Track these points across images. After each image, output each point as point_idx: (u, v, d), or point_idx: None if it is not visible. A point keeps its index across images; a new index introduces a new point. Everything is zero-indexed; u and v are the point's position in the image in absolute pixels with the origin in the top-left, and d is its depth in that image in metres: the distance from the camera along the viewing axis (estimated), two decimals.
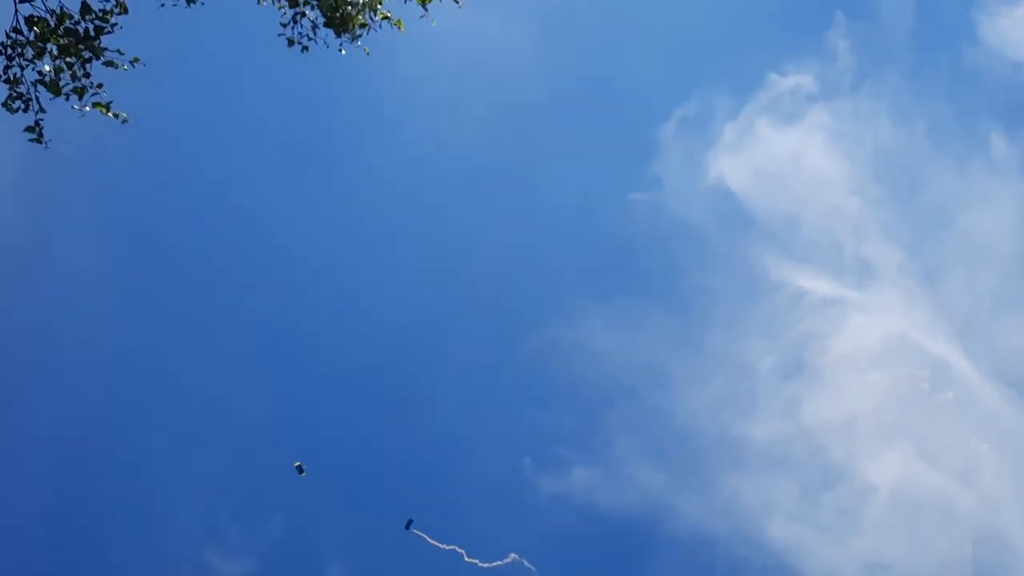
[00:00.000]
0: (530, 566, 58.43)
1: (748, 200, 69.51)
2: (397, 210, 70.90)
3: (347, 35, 15.17)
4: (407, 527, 55.61)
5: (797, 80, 70.04)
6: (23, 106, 14.57)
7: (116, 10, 14.60)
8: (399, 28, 16.10)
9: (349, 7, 14.60)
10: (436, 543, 57.06)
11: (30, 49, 14.54)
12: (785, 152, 69.90)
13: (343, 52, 16.65)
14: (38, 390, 59.88)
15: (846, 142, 70.01)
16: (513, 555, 58.38)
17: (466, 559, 57.51)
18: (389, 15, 15.18)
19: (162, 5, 17.72)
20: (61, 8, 14.37)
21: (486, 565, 57.62)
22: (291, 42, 15.55)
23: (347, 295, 68.67)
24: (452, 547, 57.48)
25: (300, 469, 49.31)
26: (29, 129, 14.43)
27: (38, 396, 59.43)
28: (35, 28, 14.26)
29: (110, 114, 15.19)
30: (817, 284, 67.27)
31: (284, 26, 15.44)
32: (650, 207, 70.57)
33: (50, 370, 60.10)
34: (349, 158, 71.29)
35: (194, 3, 17.51)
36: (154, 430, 60.73)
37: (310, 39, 15.40)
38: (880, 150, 69.90)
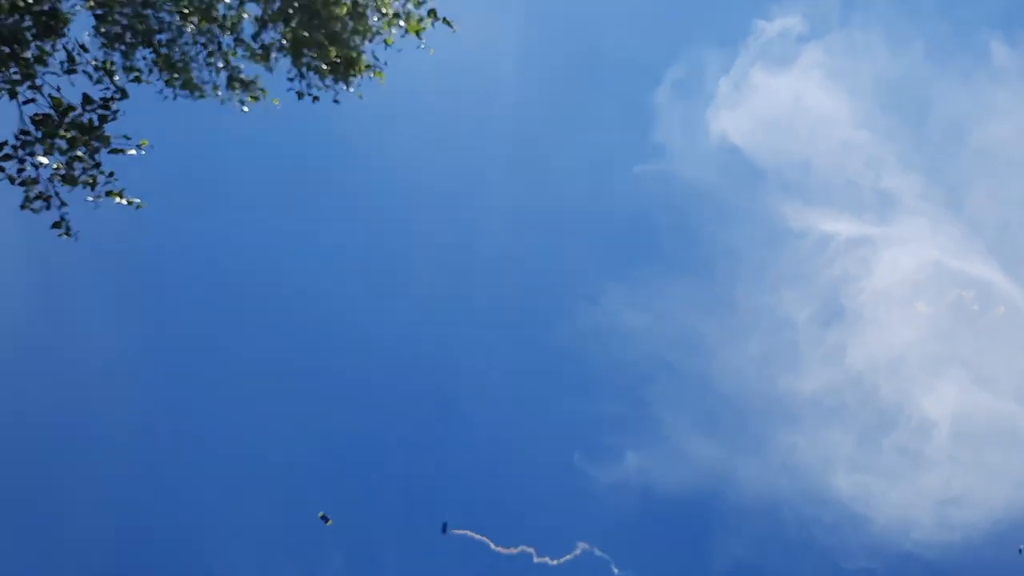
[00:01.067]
0: (601, 553, 57.88)
1: (755, 152, 68.73)
2: (408, 221, 70.61)
3: (353, 77, 14.88)
4: (444, 531, 55.12)
5: (784, 23, 68.99)
6: (45, 204, 14.36)
7: (117, 95, 14.34)
8: (380, 79, 16.22)
9: (351, 52, 14.28)
10: (502, 548, 56.62)
11: (40, 147, 14.29)
12: (784, 97, 68.94)
13: (338, 102, 16.52)
14: (77, 458, 59.93)
15: (844, 77, 68.97)
16: (582, 544, 57.84)
17: (535, 559, 57.06)
18: (390, 41, 14.90)
19: (164, 98, 17.61)
20: (64, 103, 14.10)
21: (556, 562, 57.17)
22: (300, 95, 15.37)
23: (375, 314, 68.47)
24: (520, 548, 57.04)
25: (325, 519, 49.17)
26: (56, 225, 14.28)
27: (79, 464, 59.50)
28: (41, 126, 14.01)
29: (123, 200, 14.99)
30: (840, 225, 66.44)
31: (291, 80, 15.22)
32: (657, 176, 69.96)
33: (83, 442, 60.26)
34: (351, 173, 70.92)
35: (201, 96, 17.38)
36: (203, 485, 60.74)
37: (321, 89, 15.15)
38: (880, 79, 68.84)
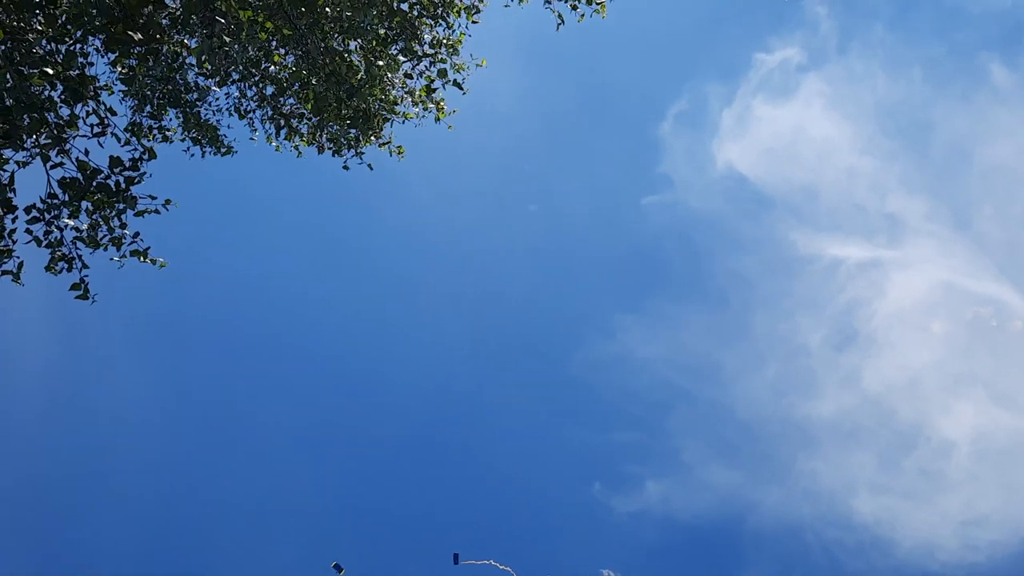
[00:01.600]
0: None
1: (762, 181, 69.07)
2: (419, 264, 70.99)
3: (371, 135, 15.32)
4: (455, 562, 54.38)
5: (783, 54, 69.63)
6: (67, 266, 14.66)
7: (145, 156, 14.72)
8: (399, 155, 16.85)
9: (371, 106, 14.71)
10: None
11: (65, 210, 14.65)
12: (787, 127, 69.44)
13: (347, 168, 17.10)
14: (108, 521, 60.01)
15: (846, 105, 69.49)
16: (607, 572, 57.22)
17: None
18: (409, 116, 15.45)
19: (191, 156, 18.14)
20: (91, 167, 14.47)
21: None
22: (320, 149, 15.80)
23: (391, 353, 68.62)
24: None
25: (339, 568, 49.01)
26: (75, 287, 14.52)
27: (108, 525, 59.59)
28: (69, 190, 14.37)
29: (147, 260, 15.32)
30: (850, 250, 66.51)
31: (313, 133, 15.68)
32: (665, 207, 70.30)
33: (116, 501, 60.37)
34: (357, 217, 71.47)
35: (228, 153, 17.93)
36: (234, 533, 60.67)
37: (340, 146, 15.57)
38: (881, 105, 69.29)
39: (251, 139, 17.92)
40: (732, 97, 69.42)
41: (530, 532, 61.89)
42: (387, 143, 16.40)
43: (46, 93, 13.72)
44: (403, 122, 15.77)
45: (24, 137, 13.08)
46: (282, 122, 15.29)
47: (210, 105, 16.40)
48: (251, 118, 16.71)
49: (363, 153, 16.75)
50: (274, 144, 17.12)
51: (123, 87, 16.61)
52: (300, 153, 17.37)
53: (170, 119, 16.07)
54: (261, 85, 16.96)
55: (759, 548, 61.43)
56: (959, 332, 63.96)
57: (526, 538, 60.62)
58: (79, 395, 61.56)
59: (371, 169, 17.09)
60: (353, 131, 14.72)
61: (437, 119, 15.38)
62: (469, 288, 70.58)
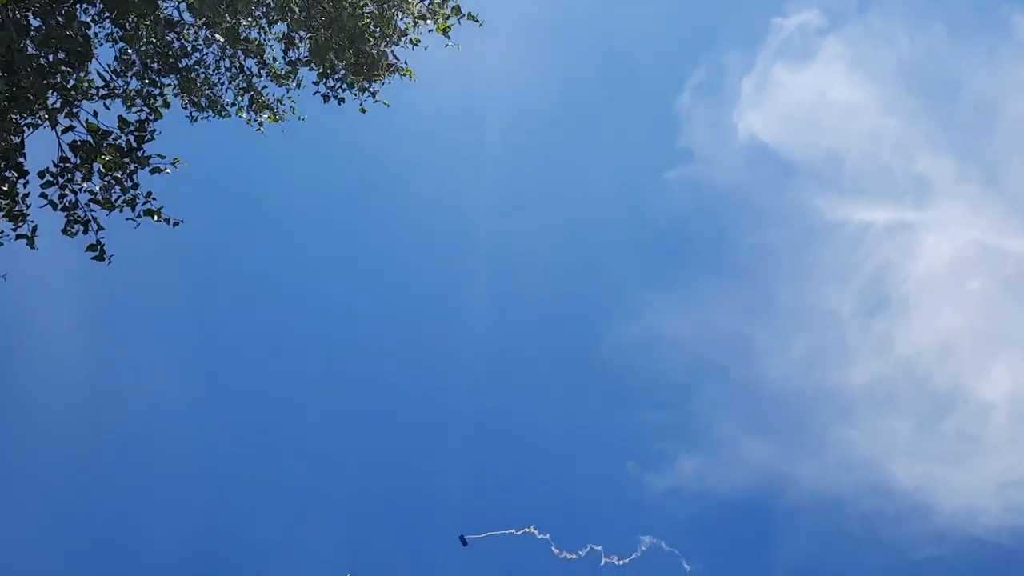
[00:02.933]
0: (669, 548, 56.48)
1: (785, 149, 68.36)
2: (447, 243, 71.13)
3: (376, 80, 15.26)
4: (464, 543, 53.92)
5: (801, 18, 68.75)
6: (82, 228, 14.80)
7: (151, 117, 14.83)
8: (411, 76, 16.60)
9: (373, 52, 14.67)
10: (567, 554, 55.33)
11: (79, 173, 14.81)
12: (809, 92, 68.62)
13: (364, 111, 17.06)
14: (159, 491, 60.83)
15: (867, 66, 68.49)
16: (648, 539, 56.35)
17: (603, 560, 55.47)
18: (417, 40, 15.27)
19: (193, 120, 18.29)
20: (100, 128, 14.62)
21: (623, 561, 55.73)
22: (326, 98, 15.77)
23: (424, 336, 68.83)
24: (589, 547, 55.44)
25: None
26: (91, 248, 14.64)
27: (159, 494, 60.38)
28: (80, 152, 14.53)
29: (162, 220, 15.42)
30: (877, 214, 65.64)
31: (316, 83, 15.65)
32: (688, 181, 69.86)
33: (165, 473, 61.15)
34: (382, 205, 71.73)
35: (227, 116, 18.06)
36: (277, 513, 61.25)
37: (344, 90, 15.53)
38: (905, 64, 68.21)
39: (259, 129, 18.03)
40: (751, 64, 68.86)
41: (567, 509, 61.79)
42: (392, 66, 15.99)
43: (50, 57, 13.91)
44: (411, 47, 15.48)
45: (31, 99, 13.25)
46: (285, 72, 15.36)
47: (206, 67, 16.51)
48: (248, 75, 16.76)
49: (376, 92, 16.46)
50: (258, 122, 17.24)
51: (122, 53, 16.69)
52: (300, 115, 17.44)
53: (168, 85, 16.19)
54: (262, 49, 17.04)
55: (797, 520, 61.00)
56: (993, 292, 62.98)
57: (563, 514, 60.46)
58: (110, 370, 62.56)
59: (387, 106, 16.79)
60: (365, 84, 14.74)
61: (445, 30, 14.94)
62: (496, 274, 70.70)
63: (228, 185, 66.47)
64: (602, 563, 54.73)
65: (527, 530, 54.02)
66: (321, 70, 14.96)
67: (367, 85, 15.09)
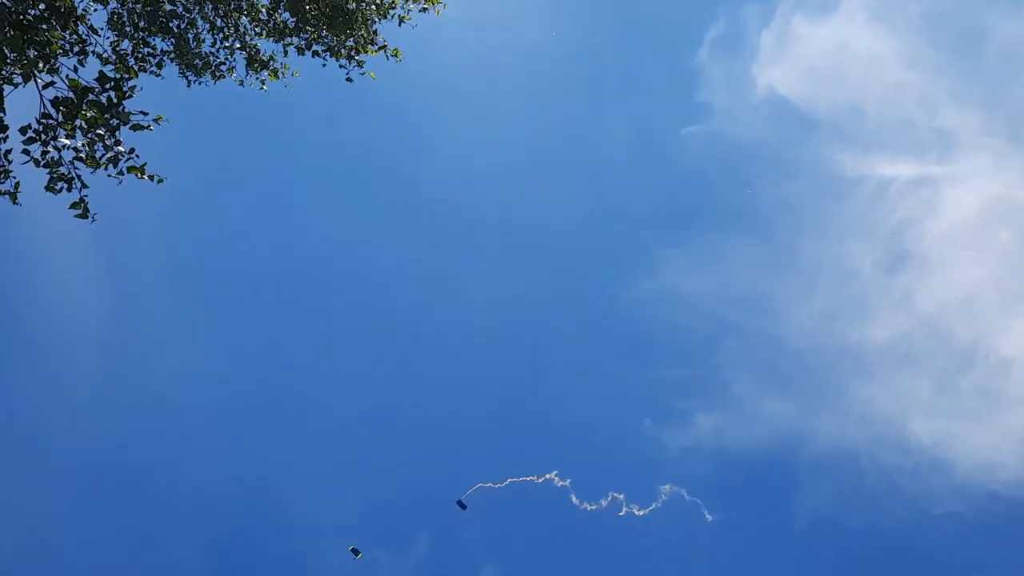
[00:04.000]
0: (690, 498, 55.96)
1: (805, 103, 67.17)
2: (466, 201, 70.95)
3: (352, 39, 15.14)
4: (462, 507, 53.59)
5: None
6: (66, 186, 14.84)
7: (127, 76, 14.80)
8: (396, 57, 16.63)
9: (358, 29, 14.52)
10: (587, 505, 54.91)
11: (62, 130, 14.83)
12: (830, 44, 67.14)
13: (351, 80, 17.03)
14: (182, 451, 61.86)
15: (890, 17, 66.75)
16: (667, 487, 55.83)
17: (622, 512, 54.98)
18: (407, 18, 15.19)
19: (189, 84, 18.23)
20: (81, 84, 14.62)
21: (644, 511, 55.33)
22: (300, 50, 15.69)
23: (442, 294, 68.98)
24: (611, 494, 54.90)
25: (356, 552, 49.83)
26: (75, 205, 14.69)
27: (184, 455, 61.42)
28: (61, 108, 14.53)
29: (145, 177, 15.43)
30: (899, 169, 64.49)
31: (295, 41, 15.59)
32: (707, 137, 68.98)
33: (185, 433, 62.19)
34: (398, 163, 71.58)
35: (222, 78, 18.01)
36: (294, 476, 62.19)
37: (329, 57, 15.49)
38: (928, 15, 66.43)
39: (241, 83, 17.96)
40: (771, 17, 67.38)
41: (585, 463, 61.76)
42: (383, 47, 16.19)
43: (31, 12, 13.87)
44: (399, 24, 15.51)
45: (7, 52, 13.23)
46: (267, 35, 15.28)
47: (197, 28, 16.42)
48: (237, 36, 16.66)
49: (363, 63, 16.61)
50: (248, 79, 17.15)
51: (113, 14, 16.64)
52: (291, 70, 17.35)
53: (161, 49, 16.15)
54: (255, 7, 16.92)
55: (815, 476, 60.99)
56: (1016, 247, 61.86)
57: (582, 468, 60.49)
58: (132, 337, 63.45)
59: (374, 79, 16.95)
60: (349, 41, 14.60)
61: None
62: (514, 230, 70.48)
63: (240, 146, 66.59)
64: (622, 512, 54.45)
65: (549, 476, 53.76)
66: (303, 30, 14.83)
67: (355, 55, 15.03)
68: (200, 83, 18.25)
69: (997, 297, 62.41)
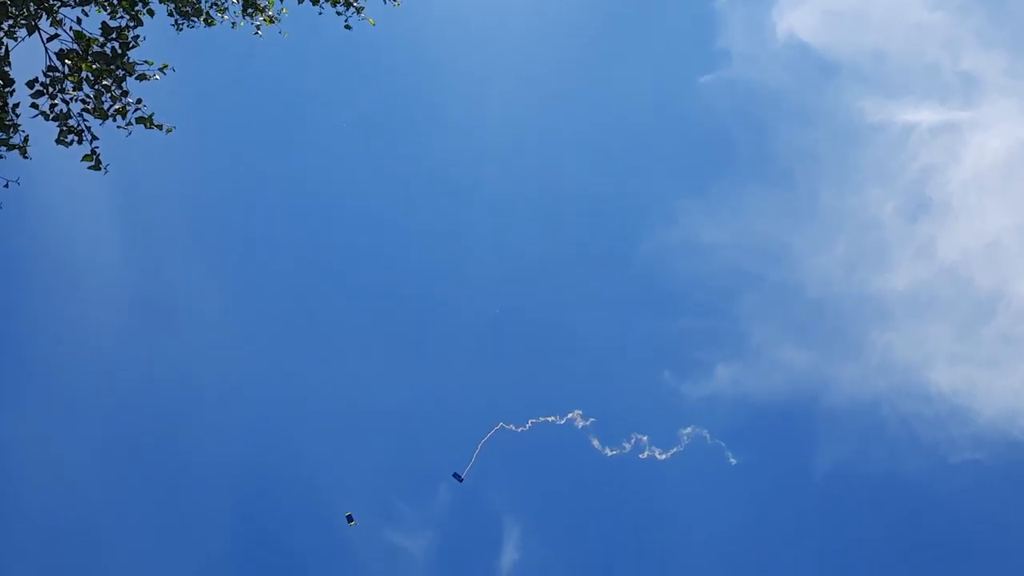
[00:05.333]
0: (714, 440, 55.05)
1: (825, 48, 65.78)
2: (476, 159, 70.63)
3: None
4: (459, 480, 52.93)
5: None
6: (76, 139, 14.93)
7: (132, 24, 14.77)
8: (395, 1, 16.47)
9: None
10: (609, 450, 54.16)
11: (69, 83, 14.86)
12: None
13: (349, 28, 16.87)
14: (206, 410, 62.74)
15: None
16: (689, 429, 54.89)
17: (644, 455, 54.21)
18: None
19: (179, 29, 18.06)
20: (86, 36, 14.62)
21: (666, 455, 54.58)
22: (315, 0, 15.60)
23: (456, 250, 68.95)
24: (634, 436, 53.74)
25: (349, 519, 50.10)
26: (87, 158, 14.81)
27: (208, 414, 62.30)
28: (67, 60, 14.56)
29: (154, 127, 15.47)
30: (922, 114, 63.34)
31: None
32: (724, 85, 67.86)
33: (211, 394, 63.05)
34: (407, 115, 71.06)
35: (213, 24, 17.83)
36: (314, 429, 63.00)
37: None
38: None
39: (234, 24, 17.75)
40: None
41: (604, 412, 61.71)
42: None
43: None
44: None
45: (8, 4, 13.22)
46: None
47: None
48: None
49: (362, 9, 16.48)
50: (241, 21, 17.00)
51: None
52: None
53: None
54: None
55: (834, 425, 61.03)
56: None
57: (601, 416, 60.52)
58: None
59: (373, 24, 16.81)
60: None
61: None
62: (528, 181, 70.11)
63: (245, 98, 66.34)
64: (644, 455, 53.95)
65: (571, 415, 53.04)
66: None
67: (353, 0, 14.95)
68: (191, 26, 17.85)
69: (1020, 244, 61.64)
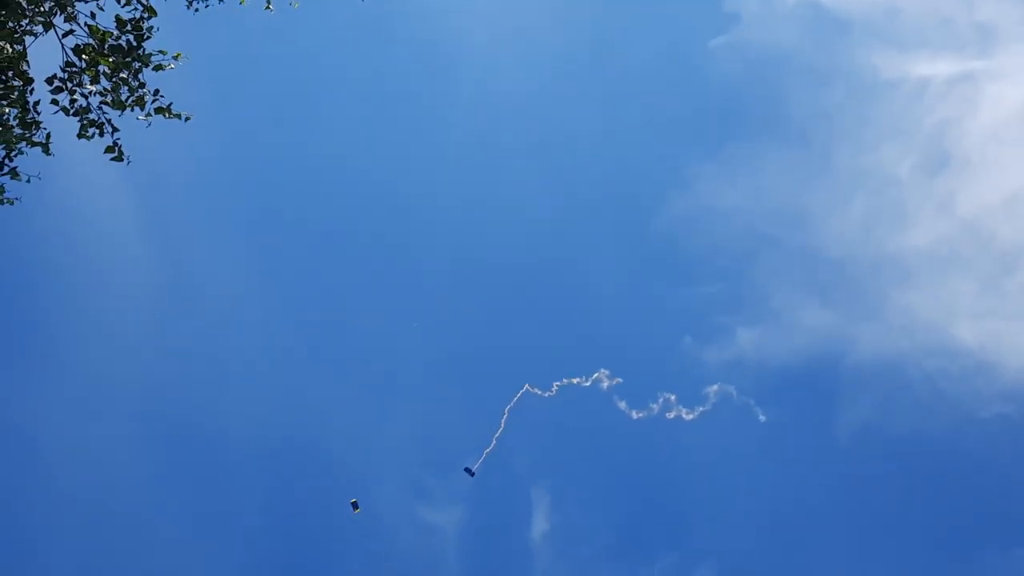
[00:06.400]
0: (741, 397, 54.50)
1: (837, 4, 65.00)
2: (491, 131, 70.41)
3: None
4: (471, 474, 52.55)
5: None
6: (97, 131, 15.11)
7: (146, 15, 14.89)
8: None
9: None
10: (636, 412, 53.33)
11: (87, 76, 15.04)
12: None
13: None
14: (241, 388, 63.26)
15: None
16: (716, 387, 54.08)
17: (671, 415, 53.95)
18: None
19: (195, 10, 18.05)
20: (101, 30, 14.76)
21: (693, 414, 54.39)
22: None
23: (477, 217, 68.94)
24: (663, 395, 52.85)
25: (355, 506, 50.31)
26: (109, 149, 15.00)
27: (244, 392, 62.84)
28: (83, 55, 14.73)
29: (173, 116, 15.61)
30: (937, 67, 62.57)
31: None
32: (734, 48, 67.22)
33: (244, 369, 63.57)
34: (424, 85, 70.88)
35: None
36: (345, 406, 63.39)
37: None
38: None
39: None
40: None
41: (627, 376, 61.67)
42: None
43: None
44: None
45: (23, 2, 13.38)
46: None
47: None
48: None
49: None
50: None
51: None
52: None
53: None
54: None
55: (858, 385, 60.93)
56: None
57: (624, 379, 60.43)
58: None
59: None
60: None
61: None
62: (540, 151, 69.91)
63: (258, 77, 66.37)
64: (671, 415, 53.45)
65: (597, 375, 52.54)
66: None
67: None
68: (207, 5, 17.61)
69: None
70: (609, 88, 70.90)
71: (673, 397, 52.82)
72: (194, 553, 57.35)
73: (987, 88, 61.83)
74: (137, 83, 15.13)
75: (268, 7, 16.60)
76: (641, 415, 53.10)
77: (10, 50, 13.72)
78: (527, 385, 51.41)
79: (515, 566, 59.33)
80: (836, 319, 62.58)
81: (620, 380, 52.53)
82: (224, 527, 58.92)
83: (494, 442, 50.77)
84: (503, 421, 50.94)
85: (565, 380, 52.28)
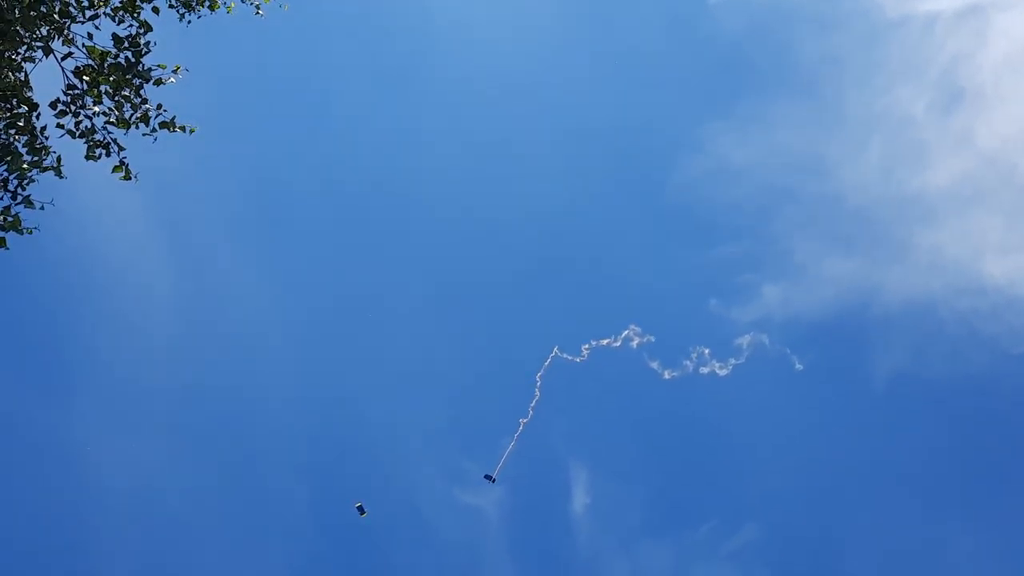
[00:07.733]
0: (777, 345, 53.06)
1: None
2: (496, 91, 69.93)
3: None
4: (491, 480, 51.83)
5: None
6: (104, 152, 15.26)
7: (142, 31, 14.97)
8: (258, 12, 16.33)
9: None
10: (668, 372, 52.34)
11: (89, 98, 15.17)
12: None
13: None
14: (274, 376, 63.78)
15: None
16: (748, 336, 52.93)
17: (705, 370, 52.46)
18: None
19: (188, 22, 18.00)
20: (99, 50, 14.87)
21: (725, 371, 52.73)
22: None
23: (492, 188, 68.70)
24: (696, 349, 51.51)
25: (361, 510, 50.13)
26: (116, 169, 15.16)
27: (275, 379, 63.33)
28: (84, 76, 14.85)
29: (177, 129, 15.72)
30: (944, 1, 61.35)
31: None
32: (735, 1, 66.30)
33: (276, 356, 64.06)
34: (423, 70, 70.53)
35: (217, 8, 17.70)
36: (378, 390, 63.71)
37: None
38: None
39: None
40: None
41: (655, 335, 61.18)
42: None
43: None
44: None
45: (21, 31, 13.49)
46: None
47: None
48: None
49: None
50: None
51: None
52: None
53: None
54: None
55: (890, 330, 60.40)
56: None
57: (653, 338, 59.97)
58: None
59: None
60: None
61: None
62: (546, 116, 69.37)
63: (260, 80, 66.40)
64: (704, 370, 52.14)
65: (627, 332, 51.35)
66: None
67: None
68: (199, 16, 17.47)
69: None
70: (609, 51, 70.17)
71: (707, 351, 51.82)
72: (240, 547, 58.27)
73: (996, 19, 60.59)
74: (140, 99, 15.23)
75: (258, 12, 16.60)
76: (674, 374, 52.34)
77: (12, 78, 13.86)
78: (556, 349, 50.80)
79: (558, 543, 59.67)
80: (863, 266, 62.04)
81: (652, 338, 51.80)
82: (263, 511, 59.62)
83: (531, 413, 50.51)
84: (537, 389, 50.55)
85: (594, 342, 51.64)
